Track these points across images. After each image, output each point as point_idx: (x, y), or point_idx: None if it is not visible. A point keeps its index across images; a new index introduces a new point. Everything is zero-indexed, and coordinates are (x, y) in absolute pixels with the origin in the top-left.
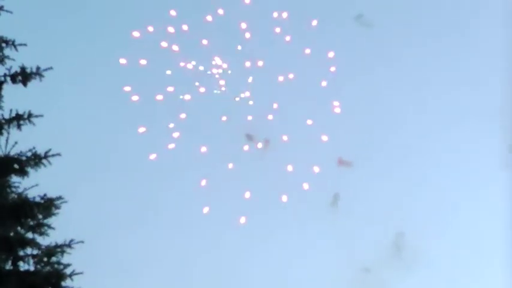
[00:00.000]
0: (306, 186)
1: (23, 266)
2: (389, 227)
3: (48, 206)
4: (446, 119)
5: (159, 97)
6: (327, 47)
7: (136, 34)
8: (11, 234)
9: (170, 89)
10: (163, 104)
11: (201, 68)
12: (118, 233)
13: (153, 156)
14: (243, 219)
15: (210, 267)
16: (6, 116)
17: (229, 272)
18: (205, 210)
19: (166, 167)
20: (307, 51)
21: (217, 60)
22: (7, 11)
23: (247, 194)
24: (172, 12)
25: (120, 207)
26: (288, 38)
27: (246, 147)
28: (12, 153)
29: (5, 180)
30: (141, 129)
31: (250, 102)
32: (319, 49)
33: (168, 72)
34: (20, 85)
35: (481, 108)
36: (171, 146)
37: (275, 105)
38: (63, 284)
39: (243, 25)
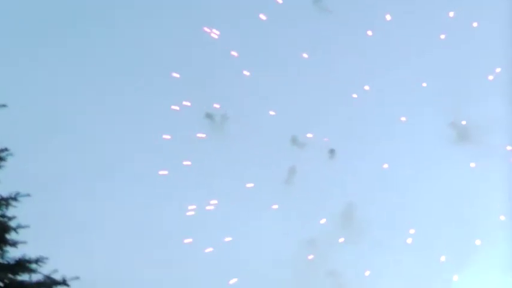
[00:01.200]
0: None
1: None
2: (337, 201)
3: None
4: (392, 97)
5: None
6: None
7: None
8: None
9: None
10: None
11: None
12: (68, 191)
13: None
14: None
15: (156, 234)
16: None
17: (176, 241)
18: (163, 172)
19: (124, 131)
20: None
21: None
22: None
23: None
24: None
25: (72, 166)
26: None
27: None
28: None
29: None
30: None
31: None
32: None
33: None
34: None
35: (426, 88)
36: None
37: None
38: (7, 236)
39: None
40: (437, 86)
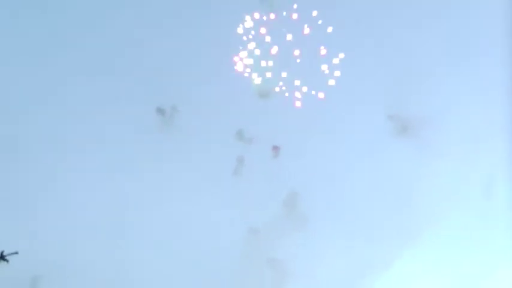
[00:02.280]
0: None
1: None
2: (282, 192)
3: None
4: (331, 89)
5: None
6: None
7: None
8: None
9: None
10: None
11: None
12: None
13: None
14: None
15: (97, 220)
16: None
17: (124, 228)
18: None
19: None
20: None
21: None
22: None
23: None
24: None
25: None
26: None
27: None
28: None
29: None
30: None
31: None
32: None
33: None
34: None
35: (366, 80)
36: None
37: None
38: None
39: None
40: (377, 78)
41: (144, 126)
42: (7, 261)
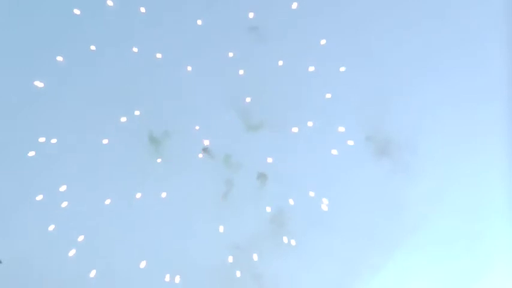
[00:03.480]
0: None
1: None
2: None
3: None
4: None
5: None
6: None
7: None
8: None
9: None
10: None
11: None
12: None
13: None
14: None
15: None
16: None
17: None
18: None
19: None
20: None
21: None
22: None
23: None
24: None
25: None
26: None
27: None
28: None
29: None
30: None
31: None
32: None
33: None
34: None
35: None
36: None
37: None
38: None
39: None
40: (356, 97)
41: (134, 150)
42: None
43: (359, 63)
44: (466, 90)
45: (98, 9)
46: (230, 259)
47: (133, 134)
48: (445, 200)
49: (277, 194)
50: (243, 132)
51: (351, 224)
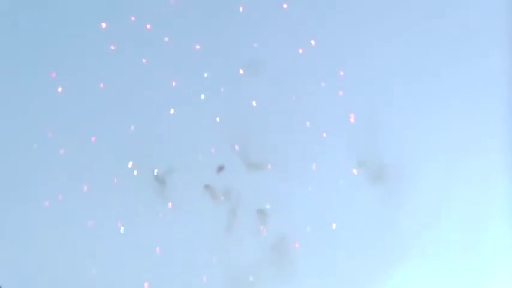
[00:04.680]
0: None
1: None
2: (269, 237)
3: None
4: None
5: None
6: None
7: None
8: None
9: None
10: None
11: None
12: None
13: None
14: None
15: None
16: None
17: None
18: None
19: None
20: None
21: None
22: None
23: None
24: None
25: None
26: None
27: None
28: None
29: None
30: None
31: None
32: None
33: None
34: None
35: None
36: None
37: None
38: None
39: None
40: (347, 122)
41: (138, 186)
42: None
43: (351, 86)
44: (462, 110)
45: (101, 49)
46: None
47: (138, 172)
48: (442, 214)
49: (276, 225)
50: (242, 169)
51: (351, 251)
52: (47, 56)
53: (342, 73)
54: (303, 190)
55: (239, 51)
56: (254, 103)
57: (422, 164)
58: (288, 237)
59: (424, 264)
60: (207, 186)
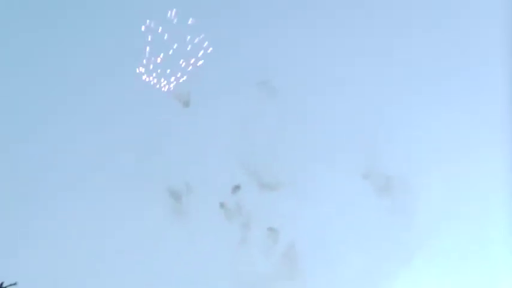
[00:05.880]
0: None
1: None
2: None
3: None
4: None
5: None
6: None
7: None
8: None
9: None
10: None
11: None
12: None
13: None
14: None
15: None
16: None
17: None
18: None
19: None
20: None
21: None
22: None
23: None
24: None
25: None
26: None
27: None
28: None
29: None
30: None
31: None
32: None
33: None
34: None
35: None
36: None
37: None
38: None
39: None
40: (354, 136)
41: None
42: None
43: (354, 103)
44: (465, 124)
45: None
46: None
47: (154, 189)
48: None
49: (286, 240)
50: (254, 188)
51: (358, 262)
52: (53, 58)
53: (347, 90)
54: (311, 206)
55: (253, 76)
56: (266, 126)
57: (426, 176)
58: (297, 250)
59: (429, 270)
60: (222, 204)
